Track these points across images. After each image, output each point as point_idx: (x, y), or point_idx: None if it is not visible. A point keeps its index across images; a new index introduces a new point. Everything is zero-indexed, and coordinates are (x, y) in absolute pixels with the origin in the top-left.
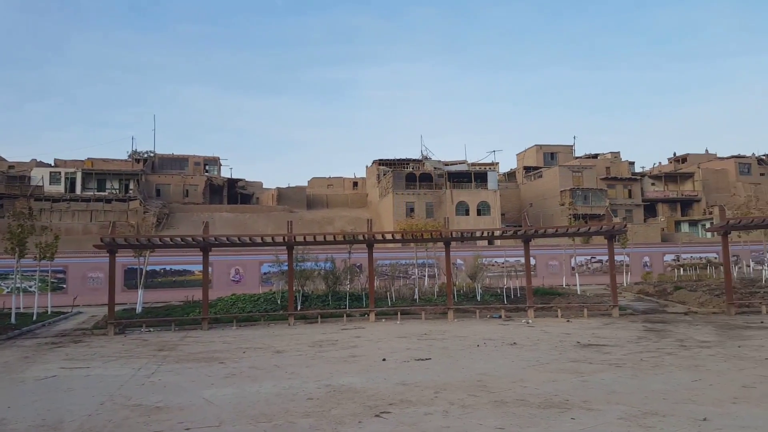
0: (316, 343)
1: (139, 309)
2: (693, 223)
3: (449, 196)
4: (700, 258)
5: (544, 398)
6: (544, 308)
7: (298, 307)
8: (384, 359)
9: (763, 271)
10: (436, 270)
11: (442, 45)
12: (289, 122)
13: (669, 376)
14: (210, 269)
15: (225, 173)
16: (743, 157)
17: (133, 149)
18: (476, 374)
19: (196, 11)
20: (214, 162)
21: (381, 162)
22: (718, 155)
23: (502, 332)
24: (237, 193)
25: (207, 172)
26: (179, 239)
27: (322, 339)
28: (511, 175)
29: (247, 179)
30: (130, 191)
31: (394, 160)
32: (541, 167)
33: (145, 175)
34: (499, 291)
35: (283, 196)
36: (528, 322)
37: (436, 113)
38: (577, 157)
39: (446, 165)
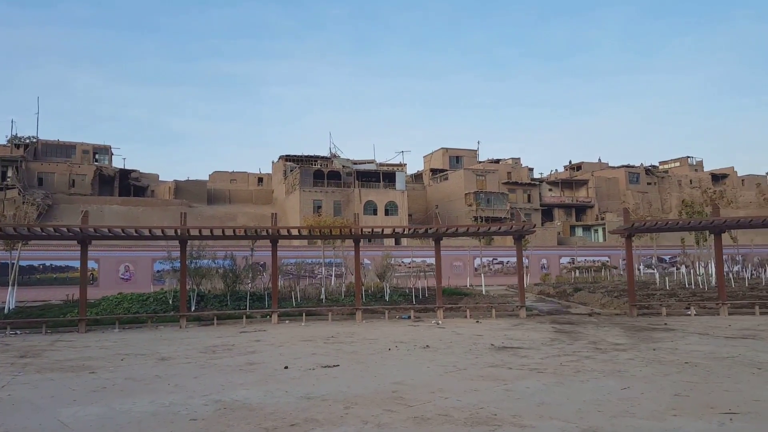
0: (209, 348)
1: (8, 308)
2: (587, 228)
3: (357, 195)
4: (594, 261)
5: (470, 412)
6: (452, 309)
7: (192, 308)
8: (286, 367)
9: (656, 275)
10: (343, 269)
11: (352, 46)
12: (190, 115)
13: (596, 384)
14: (96, 265)
15: (117, 163)
16: (633, 166)
17: (13, 134)
18: (391, 383)
19: None
20: (105, 151)
21: (288, 158)
22: (609, 164)
23: (413, 334)
24: (130, 185)
25: (97, 161)
26: (52, 230)
27: (217, 344)
28: (418, 177)
29: (142, 171)
30: (8, 179)
31: (301, 156)
32: (446, 170)
33: (26, 162)
34: (407, 291)
35: (181, 189)
36: (438, 323)
37: (344, 113)
38: (480, 162)
39: (355, 164)
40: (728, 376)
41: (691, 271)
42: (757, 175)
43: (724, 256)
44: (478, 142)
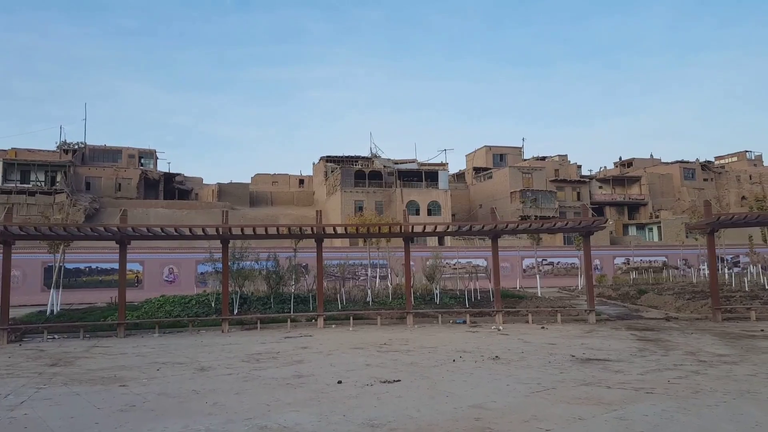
0: (252, 356)
1: (51, 311)
2: (640, 227)
3: (399, 195)
4: (650, 261)
5: None
6: (512, 313)
7: (235, 311)
8: (340, 381)
9: (726, 276)
10: (388, 271)
11: (389, 49)
12: (232, 120)
13: (730, 410)
14: (141, 268)
15: (162, 168)
16: (687, 162)
17: (62, 140)
18: (469, 407)
19: (137, 5)
20: (150, 155)
21: (328, 159)
22: (662, 160)
23: (475, 341)
24: (175, 188)
25: (142, 165)
26: (89, 230)
27: (261, 351)
28: (460, 176)
29: (186, 175)
30: (57, 184)
31: (342, 157)
32: (490, 168)
33: (74, 167)
34: (457, 293)
35: (224, 192)
36: (499, 329)
37: (383, 115)
38: (525, 159)
39: (396, 163)
40: None
41: (761, 270)
42: None
43: None
44: (523, 140)
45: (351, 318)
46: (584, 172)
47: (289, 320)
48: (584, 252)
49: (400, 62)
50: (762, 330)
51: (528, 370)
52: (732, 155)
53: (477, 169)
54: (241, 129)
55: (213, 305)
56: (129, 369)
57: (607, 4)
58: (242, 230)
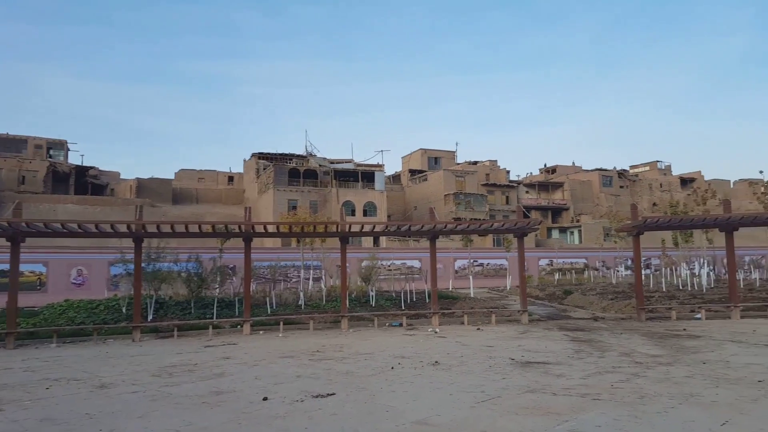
0: (164, 369)
1: None
2: (563, 230)
3: (335, 195)
4: (572, 263)
5: None
6: (447, 314)
7: (149, 318)
8: (265, 398)
9: (646, 277)
10: (322, 273)
11: (327, 47)
12: (158, 113)
13: (680, 416)
14: (45, 269)
15: (75, 160)
16: (605, 170)
17: None
18: (411, 423)
19: None
20: (61, 146)
21: (261, 156)
22: (583, 168)
23: (413, 345)
24: (88, 182)
25: (51, 157)
26: None
27: (176, 362)
28: (396, 178)
29: (102, 168)
30: None
31: (275, 154)
32: (425, 171)
33: None
34: (393, 295)
35: (144, 188)
36: (436, 332)
37: (321, 114)
38: (458, 163)
39: (332, 163)
40: None
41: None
42: (722, 180)
43: (704, 258)
44: (456, 144)
45: (281, 323)
46: (512, 177)
47: (210, 327)
48: (518, 253)
49: (339, 62)
50: (684, 329)
51: (470, 377)
52: (645, 165)
53: (412, 171)
54: (168, 123)
55: (124, 311)
56: (11, 388)
57: (539, 19)
58: (158, 227)
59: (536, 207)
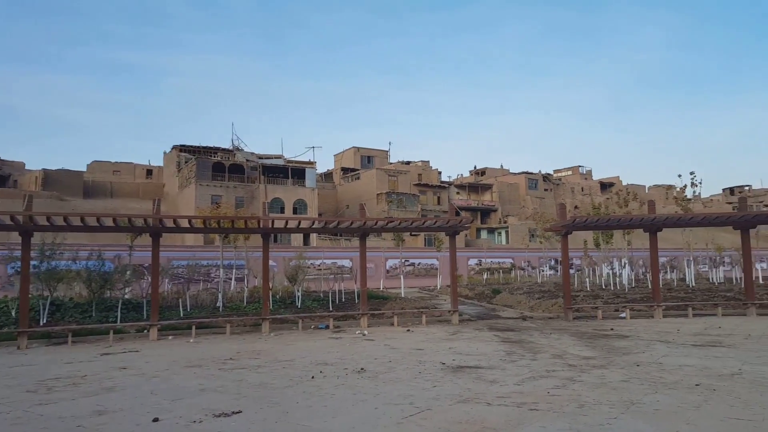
0: (44, 383)
1: None
2: (491, 231)
3: (263, 191)
4: (499, 263)
5: None
6: (376, 315)
7: (42, 321)
8: (156, 419)
9: (577, 276)
10: (245, 272)
11: (258, 41)
12: (72, 102)
13: (623, 428)
14: None
15: None
16: (531, 173)
17: None
18: None
19: None
20: None
21: (183, 148)
22: (511, 171)
23: (339, 350)
24: None
25: None
26: None
27: (61, 374)
28: (328, 176)
29: (2, 158)
30: None
31: (199, 147)
32: (358, 170)
33: None
34: (321, 296)
35: (52, 180)
36: (364, 334)
37: (250, 109)
38: (391, 163)
39: (261, 158)
40: (767, 405)
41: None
42: (638, 185)
43: (625, 258)
44: (390, 143)
45: (193, 327)
46: (444, 178)
47: (112, 332)
48: (450, 252)
49: (270, 57)
50: (612, 329)
51: (398, 386)
52: (568, 169)
53: (345, 170)
54: (82, 113)
55: (14, 314)
56: None
57: (470, 25)
58: (50, 220)
59: (466, 208)
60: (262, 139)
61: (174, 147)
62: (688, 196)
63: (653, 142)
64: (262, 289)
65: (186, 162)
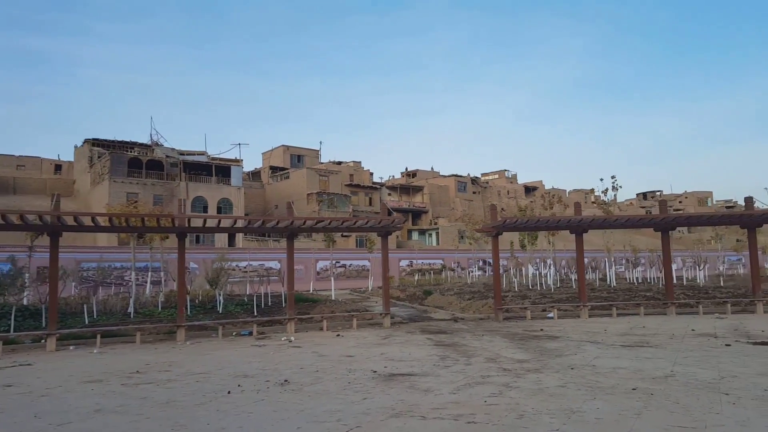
0: None
1: None
2: (422, 232)
3: (184, 189)
4: (430, 264)
5: None
6: (305, 319)
7: None
8: None
9: (505, 277)
10: (163, 275)
11: (183, 35)
12: None
13: None
14: None
15: None
16: (460, 176)
17: None
18: None
19: None
20: None
21: (96, 142)
22: (441, 173)
23: (261, 359)
24: None
25: None
26: None
27: None
28: (256, 175)
29: None
30: None
31: (114, 141)
32: (287, 169)
33: None
34: (246, 299)
35: None
36: (290, 340)
37: (171, 103)
38: (322, 163)
39: (182, 154)
40: (709, 408)
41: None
42: (560, 189)
43: (551, 259)
44: (320, 143)
45: (99, 336)
46: (376, 179)
47: (1, 342)
48: (382, 253)
49: (197, 52)
50: (542, 330)
51: (325, 399)
52: (495, 173)
53: (274, 169)
54: None
55: None
56: None
57: (401, 30)
58: None
59: (398, 209)
60: (185, 135)
61: (86, 141)
62: (610, 199)
63: (573, 147)
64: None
65: (99, 157)
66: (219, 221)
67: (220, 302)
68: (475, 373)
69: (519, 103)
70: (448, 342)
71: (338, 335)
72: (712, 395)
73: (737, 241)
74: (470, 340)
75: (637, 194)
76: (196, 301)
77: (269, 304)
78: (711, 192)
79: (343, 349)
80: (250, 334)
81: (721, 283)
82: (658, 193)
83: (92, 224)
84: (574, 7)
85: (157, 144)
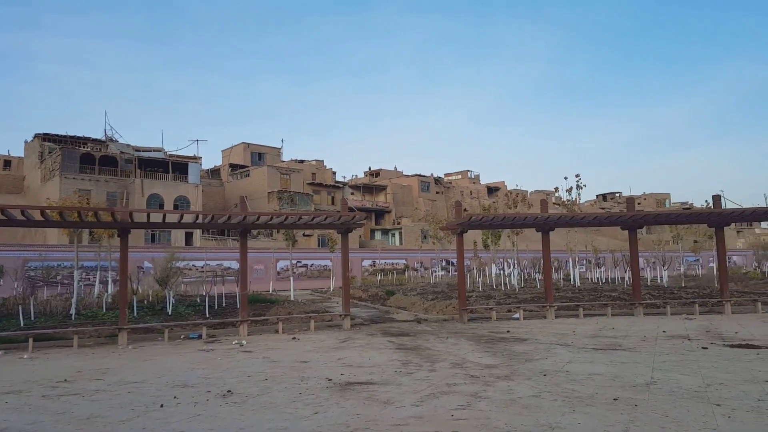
0: None
1: None
2: (384, 232)
3: (140, 186)
4: (393, 263)
5: None
6: (259, 321)
7: None
8: None
9: (469, 276)
10: (109, 275)
11: (142, 30)
12: None
13: None
14: None
15: None
16: (424, 176)
17: None
18: None
19: None
20: None
21: (47, 137)
22: (404, 173)
23: (206, 366)
24: None
25: None
26: None
27: None
28: (215, 173)
29: None
30: None
31: (65, 136)
32: (248, 166)
33: None
34: (199, 300)
35: None
36: (242, 344)
37: (127, 99)
38: (284, 161)
39: (138, 151)
40: (703, 423)
41: (482, 272)
42: (522, 190)
43: (515, 259)
44: (282, 141)
45: (30, 340)
46: (339, 178)
47: None
48: (342, 252)
49: (156, 48)
50: (508, 331)
51: (270, 413)
52: (457, 173)
53: (234, 166)
54: None
55: None
56: None
57: (366, 31)
58: None
59: (361, 208)
60: (143, 131)
61: (37, 136)
62: (574, 198)
63: (534, 149)
64: (132, 294)
65: (50, 152)
66: (164, 216)
67: (170, 303)
68: (440, 380)
69: (482, 104)
70: (410, 345)
71: (294, 338)
72: (702, 406)
73: (694, 242)
74: (434, 342)
75: (597, 196)
76: (146, 302)
77: (224, 305)
78: (669, 194)
79: (297, 353)
80: (200, 337)
81: (683, 284)
82: (617, 195)
83: (23, 218)
84: (535, 11)
85: (111, 140)
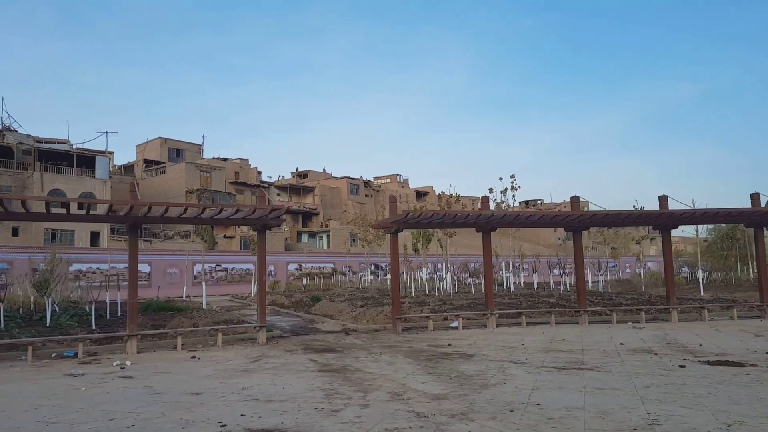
0: None
1: None
2: (312, 235)
3: (39, 181)
4: (320, 267)
5: None
6: (156, 335)
7: None
8: None
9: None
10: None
11: (52, 21)
12: None
13: None
14: None
15: None
16: (353, 179)
17: None
18: None
19: None
20: None
21: None
22: (333, 174)
23: (58, 403)
24: None
25: None
26: None
27: None
28: (128, 168)
29: None
30: None
31: None
32: (165, 163)
33: None
34: (88, 309)
35: None
36: (123, 366)
37: (33, 91)
38: (205, 158)
39: (39, 142)
40: None
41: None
42: (449, 195)
43: (448, 263)
44: (203, 137)
45: None
46: (264, 177)
47: None
48: (258, 251)
49: (68, 40)
50: (449, 344)
51: None
52: (387, 177)
53: (149, 162)
54: None
55: None
56: None
57: (296, 33)
58: None
59: (288, 210)
60: (50, 124)
61: None
62: (508, 200)
63: (461, 156)
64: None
65: None
66: (23, 201)
67: (49, 313)
68: (375, 423)
69: (410, 111)
70: (337, 365)
71: (194, 357)
72: None
73: (612, 248)
74: (366, 361)
75: (521, 202)
76: (20, 311)
77: (119, 314)
78: (587, 202)
79: (192, 380)
80: (76, 355)
81: (618, 289)
82: (539, 202)
83: None
84: (463, 23)
85: (9, 129)
